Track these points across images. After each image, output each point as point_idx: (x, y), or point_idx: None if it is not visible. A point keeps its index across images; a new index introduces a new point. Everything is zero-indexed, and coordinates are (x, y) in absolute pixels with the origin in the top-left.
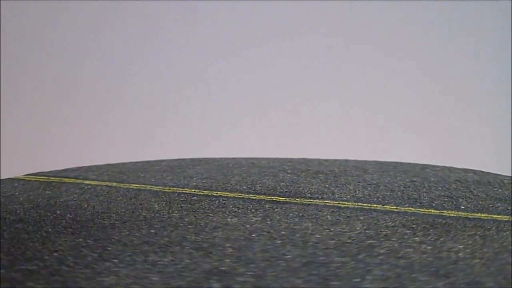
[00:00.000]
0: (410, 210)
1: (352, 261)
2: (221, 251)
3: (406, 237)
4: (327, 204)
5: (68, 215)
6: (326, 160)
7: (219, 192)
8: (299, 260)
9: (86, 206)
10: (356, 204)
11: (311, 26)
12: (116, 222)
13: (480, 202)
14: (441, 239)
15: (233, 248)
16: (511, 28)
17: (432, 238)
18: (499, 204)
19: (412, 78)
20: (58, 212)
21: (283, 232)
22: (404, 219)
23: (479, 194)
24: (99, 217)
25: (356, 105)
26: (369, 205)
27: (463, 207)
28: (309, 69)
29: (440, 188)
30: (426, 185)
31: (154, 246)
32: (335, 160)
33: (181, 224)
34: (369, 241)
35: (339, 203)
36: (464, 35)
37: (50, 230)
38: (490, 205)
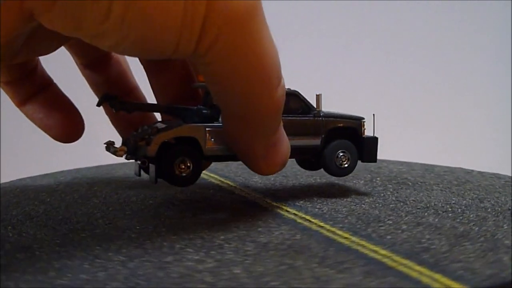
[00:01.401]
0: (333, 229)
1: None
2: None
3: (230, 253)
4: (289, 211)
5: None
6: (447, 167)
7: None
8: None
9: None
10: (304, 215)
11: (312, 26)
12: (98, 202)
13: (424, 235)
14: (258, 260)
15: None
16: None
17: (257, 259)
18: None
19: (411, 77)
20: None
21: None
22: (287, 236)
23: (465, 227)
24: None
25: (356, 105)
26: (310, 218)
27: (388, 237)
28: (312, 69)
29: (446, 212)
30: (447, 208)
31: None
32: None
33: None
34: (178, 245)
35: (293, 211)
36: (464, 35)
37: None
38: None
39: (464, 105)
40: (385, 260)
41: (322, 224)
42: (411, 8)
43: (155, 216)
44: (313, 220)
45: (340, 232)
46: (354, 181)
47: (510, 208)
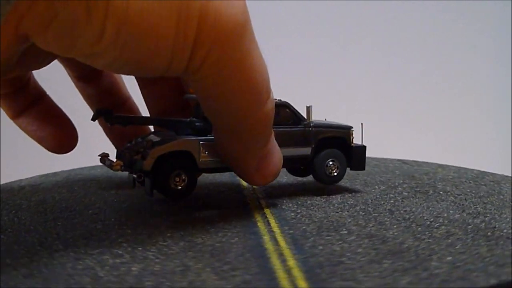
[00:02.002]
0: (277, 236)
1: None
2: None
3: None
4: (265, 213)
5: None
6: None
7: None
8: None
9: None
10: (273, 219)
11: (312, 26)
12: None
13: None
14: (167, 260)
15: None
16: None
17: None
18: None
19: (411, 77)
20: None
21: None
22: (224, 239)
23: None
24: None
25: (355, 104)
26: (273, 222)
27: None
28: (312, 69)
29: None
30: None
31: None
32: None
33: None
34: (120, 240)
35: (268, 214)
36: (464, 35)
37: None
38: None
39: (464, 105)
40: (280, 272)
41: (276, 229)
42: (410, 8)
43: (141, 210)
44: (273, 225)
45: (279, 239)
46: (376, 187)
47: (496, 226)
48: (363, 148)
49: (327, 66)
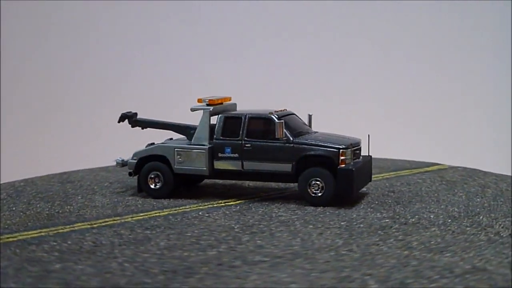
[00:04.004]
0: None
1: None
2: None
3: None
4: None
5: None
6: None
7: None
8: None
9: None
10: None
11: (311, 26)
12: None
13: None
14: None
15: None
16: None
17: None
18: None
19: (411, 77)
20: None
21: None
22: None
23: None
24: None
25: (356, 105)
26: None
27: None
28: (313, 70)
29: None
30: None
31: None
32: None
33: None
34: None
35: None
36: (464, 35)
37: None
38: None
39: (464, 105)
40: None
41: None
42: (410, 7)
43: (120, 200)
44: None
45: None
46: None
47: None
48: (349, 172)
49: (328, 67)
